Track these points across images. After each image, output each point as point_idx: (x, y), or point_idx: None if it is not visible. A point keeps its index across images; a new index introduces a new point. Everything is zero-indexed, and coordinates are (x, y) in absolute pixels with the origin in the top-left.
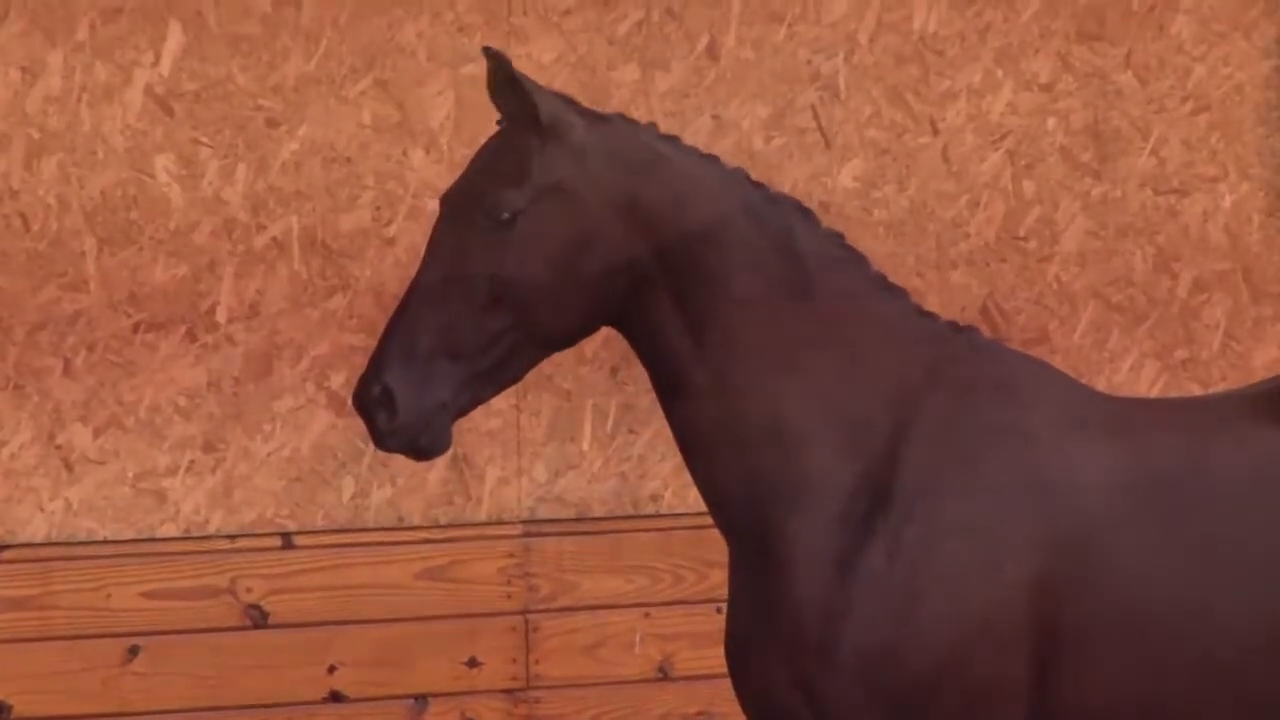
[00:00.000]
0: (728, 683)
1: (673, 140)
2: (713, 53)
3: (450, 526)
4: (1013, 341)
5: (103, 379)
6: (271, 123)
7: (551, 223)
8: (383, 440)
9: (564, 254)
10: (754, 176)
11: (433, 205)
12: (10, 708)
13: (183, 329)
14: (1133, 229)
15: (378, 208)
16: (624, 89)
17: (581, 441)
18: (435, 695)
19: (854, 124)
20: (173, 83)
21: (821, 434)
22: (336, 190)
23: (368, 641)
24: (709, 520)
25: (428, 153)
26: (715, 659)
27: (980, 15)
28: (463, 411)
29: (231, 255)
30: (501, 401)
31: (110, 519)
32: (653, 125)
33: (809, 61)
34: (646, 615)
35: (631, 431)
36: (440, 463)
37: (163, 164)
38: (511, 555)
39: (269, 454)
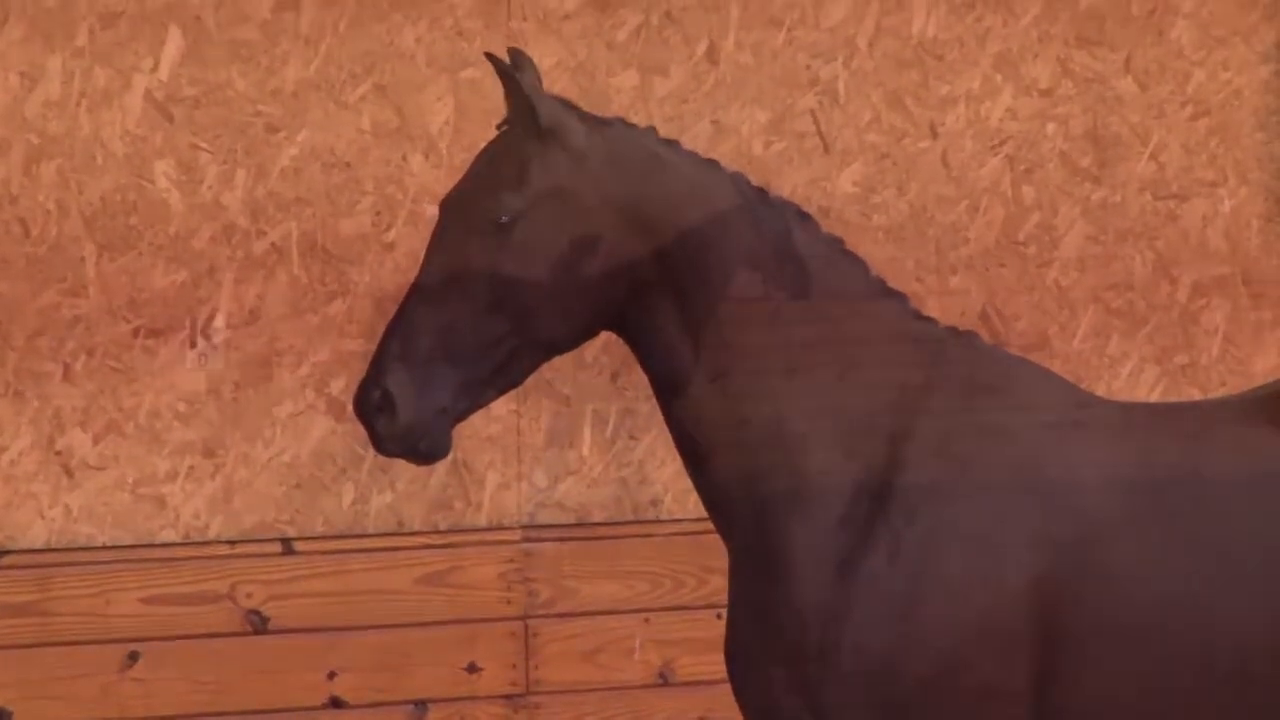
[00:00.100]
0: (728, 688)
1: (672, 144)
2: (712, 57)
3: (450, 532)
4: (1012, 346)
5: (102, 384)
6: (271, 128)
7: (551, 226)
8: (383, 445)
9: (564, 258)
10: (753, 181)
11: (432, 210)
12: (10, 714)
13: (182, 334)
14: (1132, 234)
15: (377, 213)
16: (623, 94)
17: (581, 447)
18: (435, 701)
19: (853, 129)
20: (172, 88)
21: (821, 437)
22: (336, 195)
23: (368, 647)
24: (709, 525)
25: (427, 158)
26: (715, 664)
27: (980, 20)
28: (462, 416)
29: (231, 261)
30: (501, 407)
31: (110, 525)
32: (652, 129)
33: (808, 66)
34: (646, 621)
35: (632, 437)
36: (440, 468)
37: (162, 169)
38: (511, 560)
39: (269, 459)
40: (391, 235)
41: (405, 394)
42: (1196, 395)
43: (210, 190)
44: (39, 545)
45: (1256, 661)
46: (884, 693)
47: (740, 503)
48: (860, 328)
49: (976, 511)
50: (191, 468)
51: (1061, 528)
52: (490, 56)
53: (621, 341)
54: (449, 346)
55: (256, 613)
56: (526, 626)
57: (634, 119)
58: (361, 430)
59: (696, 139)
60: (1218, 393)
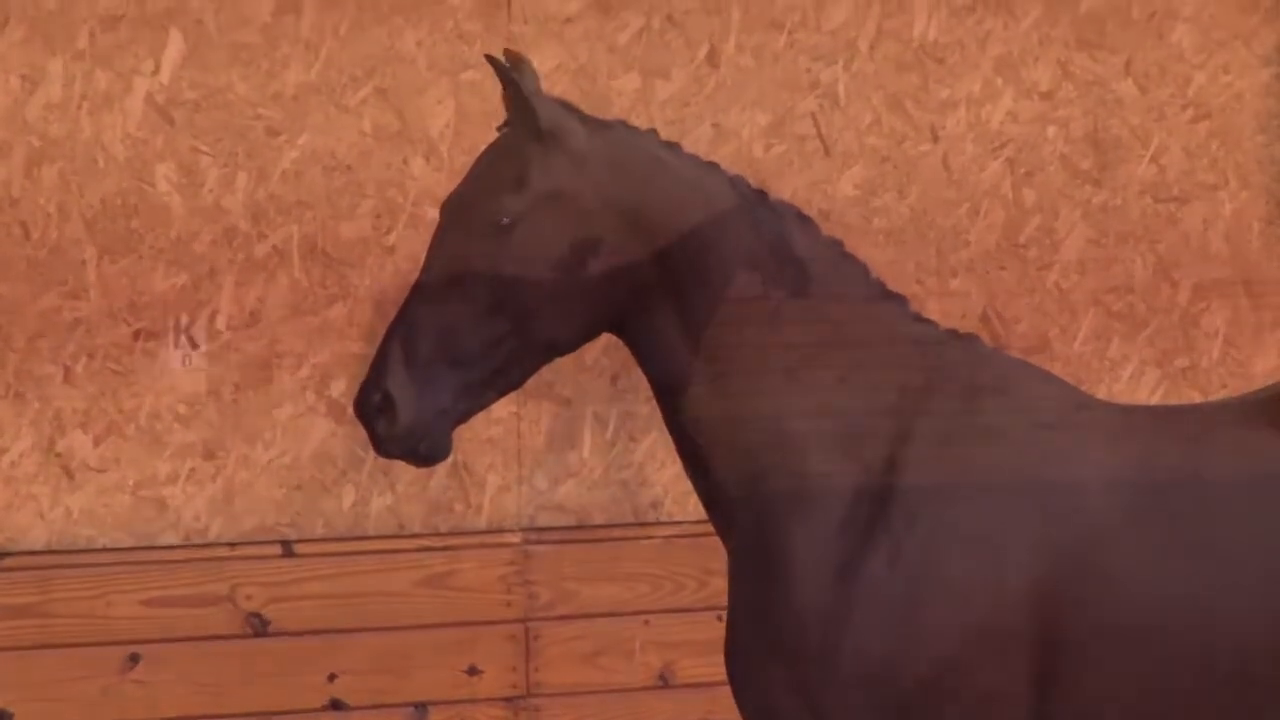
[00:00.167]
0: (728, 690)
1: (673, 147)
2: (713, 60)
3: (450, 534)
4: (1013, 349)
5: (103, 387)
6: (272, 131)
7: (551, 229)
8: (383, 447)
9: (564, 260)
10: (754, 184)
11: (433, 213)
12: (11, 715)
13: (183, 337)
14: (1133, 236)
15: (378, 216)
16: (624, 97)
17: (582, 449)
18: (435, 703)
19: (854, 132)
20: (173, 91)
21: (821, 438)
22: (337, 199)
23: (368, 649)
24: (709, 528)
25: (428, 161)
26: (716, 667)
27: (980, 23)
28: (463, 418)
29: (232, 264)
30: (501, 409)
31: (110, 527)
32: (653, 132)
33: (809, 69)
34: (647, 623)
35: (632, 439)
36: (440, 470)
37: (163, 172)
38: (512, 563)
39: (269, 462)
40: (392, 238)
41: (406, 396)
42: (1197, 398)
43: (211, 193)
44: (39, 547)
45: (1257, 664)
46: (884, 695)
47: (740, 504)
48: (860, 330)
49: (977, 514)
50: (192, 470)
51: (1062, 530)
52: (490, 59)
53: (622, 344)
54: (449, 349)
55: (257, 615)
56: (527, 629)
57: (635, 122)
58: (362, 432)
59: (698, 142)
60: (1218, 395)
